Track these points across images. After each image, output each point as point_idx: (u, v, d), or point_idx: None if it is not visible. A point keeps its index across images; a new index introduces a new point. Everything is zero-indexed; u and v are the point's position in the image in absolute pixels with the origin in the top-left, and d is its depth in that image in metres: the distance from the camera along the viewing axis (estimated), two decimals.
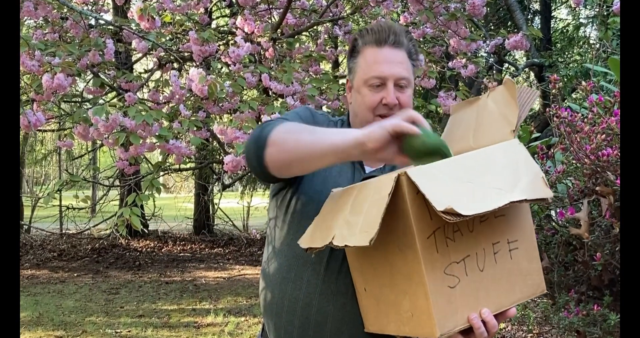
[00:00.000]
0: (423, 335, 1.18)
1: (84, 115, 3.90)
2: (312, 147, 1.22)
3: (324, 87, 4.45)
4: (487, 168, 1.16)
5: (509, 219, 1.24)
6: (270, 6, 5.20)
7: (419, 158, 1.16)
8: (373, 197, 1.13)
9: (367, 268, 1.29)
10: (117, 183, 9.64)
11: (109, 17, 5.65)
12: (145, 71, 7.55)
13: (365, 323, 1.35)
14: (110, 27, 5.14)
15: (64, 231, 11.34)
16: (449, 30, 4.68)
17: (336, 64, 9.51)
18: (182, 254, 10.35)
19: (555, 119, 1.88)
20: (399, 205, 1.11)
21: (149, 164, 6.53)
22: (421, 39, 5.26)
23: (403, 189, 1.09)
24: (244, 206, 12.82)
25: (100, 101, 5.19)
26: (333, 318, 1.37)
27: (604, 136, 1.75)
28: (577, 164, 1.83)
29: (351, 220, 1.16)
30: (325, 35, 5.72)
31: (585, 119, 1.87)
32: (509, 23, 9.57)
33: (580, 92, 2.13)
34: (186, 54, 5.29)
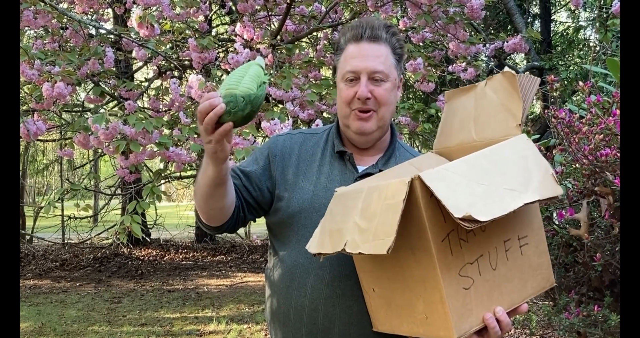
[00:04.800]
0: (439, 337, 1.17)
1: (85, 124, 3.91)
2: (198, 180, 1.35)
3: (323, 93, 4.45)
4: (499, 167, 1.15)
5: (519, 215, 1.23)
6: (270, 13, 5.22)
7: (243, 122, 1.20)
8: (385, 202, 1.11)
9: (377, 271, 1.28)
10: (118, 192, 9.64)
11: (109, 26, 5.66)
12: (146, 79, 7.57)
13: (374, 322, 1.34)
14: (110, 35, 5.15)
15: (66, 241, 11.31)
16: (448, 34, 4.69)
17: (336, 70, 9.52)
18: (184, 262, 10.32)
19: (553, 120, 1.87)
20: (413, 209, 1.10)
21: (150, 173, 6.52)
22: (421, 44, 5.26)
23: (417, 194, 1.07)
24: None
25: (101, 110, 5.20)
26: (340, 322, 1.37)
27: (602, 136, 1.74)
28: (576, 165, 1.83)
29: (363, 224, 1.14)
30: (325, 41, 5.72)
31: (584, 120, 1.86)
32: (509, 27, 9.58)
33: (581, 94, 2.13)
34: (186, 61, 5.31)
